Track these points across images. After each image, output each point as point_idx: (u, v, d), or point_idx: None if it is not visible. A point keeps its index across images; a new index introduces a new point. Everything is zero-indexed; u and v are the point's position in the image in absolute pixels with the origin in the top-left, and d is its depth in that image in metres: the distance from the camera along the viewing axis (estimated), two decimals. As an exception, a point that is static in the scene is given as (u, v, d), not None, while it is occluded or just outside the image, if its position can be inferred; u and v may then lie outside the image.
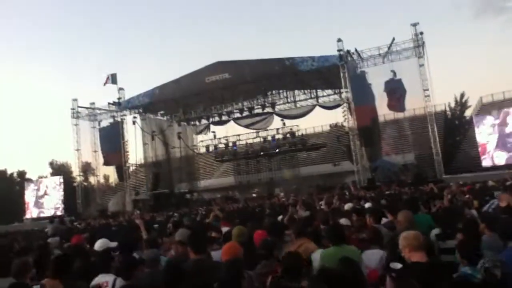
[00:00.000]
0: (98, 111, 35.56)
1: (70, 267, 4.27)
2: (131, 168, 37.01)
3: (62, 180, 41.71)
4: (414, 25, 26.74)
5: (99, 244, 5.57)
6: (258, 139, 34.48)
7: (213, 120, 34.67)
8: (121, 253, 5.13)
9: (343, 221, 5.32)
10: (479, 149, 29.64)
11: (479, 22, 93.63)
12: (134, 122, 33.38)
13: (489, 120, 29.81)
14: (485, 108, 35.08)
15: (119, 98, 33.78)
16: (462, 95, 41.76)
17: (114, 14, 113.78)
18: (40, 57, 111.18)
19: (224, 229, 6.62)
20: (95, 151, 35.33)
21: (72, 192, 38.72)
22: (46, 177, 49.64)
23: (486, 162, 28.79)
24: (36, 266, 4.58)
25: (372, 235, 4.73)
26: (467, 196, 8.25)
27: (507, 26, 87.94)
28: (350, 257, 3.67)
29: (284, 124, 32.98)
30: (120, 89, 33.90)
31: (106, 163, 35.41)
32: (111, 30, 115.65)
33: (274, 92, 32.26)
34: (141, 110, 34.30)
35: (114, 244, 5.75)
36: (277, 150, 33.66)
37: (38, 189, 42.00)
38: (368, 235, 4.81)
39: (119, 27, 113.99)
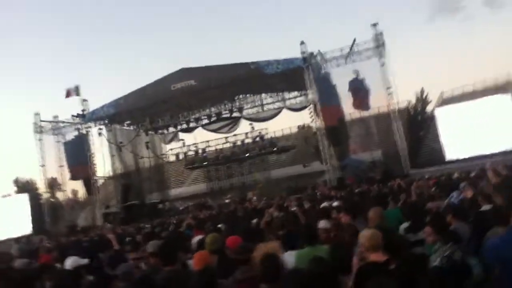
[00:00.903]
0: (61, 125, 34.61)
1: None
2: (100, 181, 36.20)
3: (28, 198, 40.36)
4: (374, 25, 27.35)
5: (69, 262, 5.43)
6: (227, 145, 34.49)
7: (181, 127, 34.44)
8: (94, 270, 5.04)
9: (322, 223, 5.35)
10: (442, 143, 30.47)
11: (436, 20, 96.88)
12: (100, 134, 32.70)
13: (450, 114, 30.67)
14: (446, 103, 36.21)
15: (83, 110, 32.91)
16: (422, 91, 42.91)
17: (74, 23, 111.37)
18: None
19: (197, 237, 6.59)
20: (61, 166, 34.36)
21: (39, 210, 37.50)
22: (10, 195, 47.86)
23: (449, 155, 29.61)
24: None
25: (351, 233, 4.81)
26: (433, 189, 8.51)
27: (464, 23, 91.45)
28: (322, 257, 3.72)
29: (252, 128, 33.14)
30: (84, 100, 33.01)
31: (73, 177, 34.50)
32: (72, 40, 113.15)
33: (241, 96, 32.37)
34: (106, 121, 33.59)
35: (85, 261, 5.62)
36: (247, 155, 33.74)
37: (3, 209, 40.46)
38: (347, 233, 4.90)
39: (79, 36, 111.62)
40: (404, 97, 41.57)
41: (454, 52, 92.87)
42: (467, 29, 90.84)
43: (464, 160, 27.71)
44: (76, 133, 34.01)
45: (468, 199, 5.65)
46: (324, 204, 9.17)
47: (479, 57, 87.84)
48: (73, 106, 33.18)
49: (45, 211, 35.52)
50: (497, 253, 3.09)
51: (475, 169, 14.24)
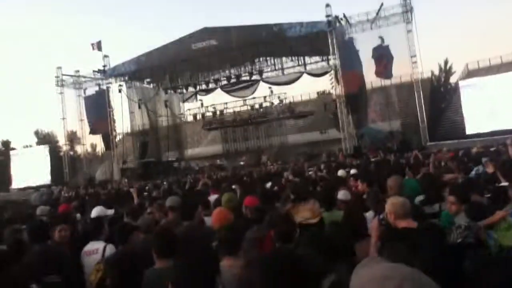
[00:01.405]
0: (83, 79, 34.90)
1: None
2: (118, 137, 36.76)
3: (48, 150, 41.32)
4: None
5: (95, 212, 5.61)
6: (245, 107, 34.41)
7: (200, 88, 34.44)
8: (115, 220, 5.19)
9: (342, 194, 5.37)
10: (464, 116, 29.91)
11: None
12: (120, 90, 32.95)
13: (474, 87, 29.93)
14: (471, 75, 35.26)
15: (104, 66, 33.10)
16: (446, 62, 41.84)
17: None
18: (22, 24, 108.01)
19: (213, 197, 6.72)
20: (81, 120, 34.92)
21: (58, 162, 38.42)
22: (31, 146, 49.05)
23: (470, 130, 29.11)
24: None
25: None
26: (452, 162, 8.44)
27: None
28: (338, 222, 3.78)
29: (271, 91, 32.91)
30: (105, 56, 33.16)
31: (93, 131, 35.12)
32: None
33: (261, 59, 32.00)
34: (127, 78, 33.77)
35: (111, 211, 5.80)
36: (264, 118, 33.69)
37: (24, 159, 41.60)
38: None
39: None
40: (428, 67, 40.61)
41: (482, 22, 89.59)
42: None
43: (485, 134, 27.23)
44: (96, 88, 34.34)
45: (489, 174, 5.60)
46: (341, 171, 9.20)
47: (509, 28, 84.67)
48: (95, 62, 33.32)
49: (64, 163, 36.34)
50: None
51: (495, 144, 14.05)
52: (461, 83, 32.16)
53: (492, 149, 11.18)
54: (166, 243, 3.24)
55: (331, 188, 5.93)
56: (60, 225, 4.54)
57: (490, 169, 5.67)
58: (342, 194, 5.24)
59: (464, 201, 3.87)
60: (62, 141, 38.92)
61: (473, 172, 6.61)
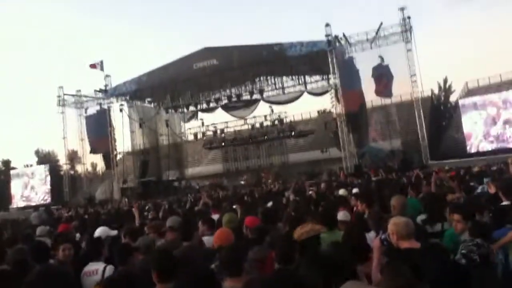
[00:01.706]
0: (84, 99, 35.10)
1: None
2: (119, 156, 36.79)
3: (48, 169, 41.32)
4: (402, 9, 26.62)
5: (99, 232, 5.57)
6: (246, 126, 34.49)
7: (201, 107, 34.57)
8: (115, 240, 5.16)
9: (342, 214, 5.31)
10: (465, 135, 29.95)
11: (464, 6, 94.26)
12: (121, 110, 33.09)
13: (475, 106, 30.04)
14: (471, 93, 35.41)
15: (105, 86, 33.37)
16: (445, 81, 42.11)
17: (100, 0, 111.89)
18: (25, 44, 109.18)
19: (214, 216, 6.67)
20: (82, 139, 34.98)
21: (59, 181, 38.40)
22: (31, 166, 49.02)
23: (471, 148, 29.13)
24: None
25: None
26: (452, 182, 8.41)
27: (493, 8, 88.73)
28: (339, 241, 3.74)
29: (272, 110, 33.02)
30: (107, 76, 33.49)
31: (93, 151, 35.15)
32: (97, 16, 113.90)
33: (262, 78, 32.19)
34: (128, 98, 33.96)
35: (114, 232, 5.76)
36: (265, 137, 33.72)
37: (24, 179, 41.58)
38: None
39: (105, 13, 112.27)
40: (428, 85, 40.67)
41: (481, 40, 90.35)
42: (496, 16, 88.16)
43: (487, 153, 27.25)
44: (98, 107, 34.51)
45: (491, 194, 5.57)
46: (342, 190, 9.15)
47: (508, 46, 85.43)
48: (96, 81, 33.60)
49: (64, 182, 36.28)
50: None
51: (497, 163, 14.03)
52: (461, 101, 32.31)
53: (493, 168, 11.15)
54: (167, 267, 3.20)
55: (332, 208, 5.88)
56: (63, 244, 4.52)
57: (492, 190, 5.64)
58: (341, 215, 5.18)
59: (468, 219, 3.84)
60: (62, 160, 38.98)
61: (478, 190, 6.58)
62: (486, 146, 28.69)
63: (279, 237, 3.70)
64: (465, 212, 4.00)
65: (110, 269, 4.16)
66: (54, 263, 4.34)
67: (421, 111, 27.50)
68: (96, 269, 4.23)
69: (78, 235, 7.14)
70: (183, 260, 3.48)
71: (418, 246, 3.40)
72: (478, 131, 29.19)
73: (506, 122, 28.50)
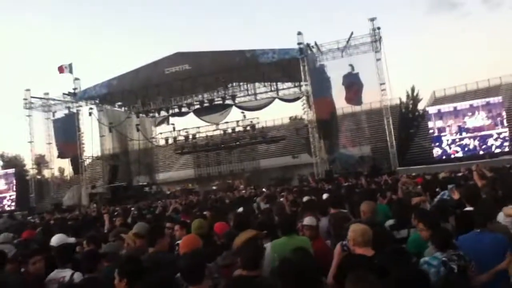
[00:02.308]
0: (52, 102, 34.27)
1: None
2: (87, 161, 36.02)
3: (14, 174, 40.08)
4: (372, 20, 27.31)
5: (56, 240, 5.43)
6: (218, 132, 34.40)
7: (173, 112, 34.23)
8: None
9: (308, 220, 5.31)
10: (432, 142, 30.74)
11: (433, 17, 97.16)
12: (90, 114, 32.43)
13: (443, 114, 30.87)
14: (438, 102, 36.43)
15: (74, 89, 32.64)
16: (413, 89, 43.17)
17: (71, 2, 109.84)
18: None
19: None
20: (49, 143, 34.14)
21: (25, 186, 37.28)
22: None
23: (438, 155, 29.89)
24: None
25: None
26: (418, 187, 8.62)
27: (461, 20, 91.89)
28: (302, 247, 3.77)
29: (244, 116, 33.06)
30: (76, 79, 32.73)
31: (61, 155, 34.32)
32: (67, 18, 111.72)
33: (234, 84, 32.21)
34: (97, 101, 33.38)
35: (72, 239, 5.63)
36: (237, 143, 33.72)
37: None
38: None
39: (75, 15, 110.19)
40: (397, 93, 41.73)
41: (449, 50, 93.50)
42: (463, 27, 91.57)
43: (453, 159, 28.03)
44: (66, 111, 33.75)
45: (455, 200, 5.73)
46: (306, 198, 9.20)
47: (474, 56, 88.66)
48: (65, 85, 32.91)
49: (30, 187, 35.26)
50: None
51: (463, 169, 14.45)
52: (428, 109, 33.15)
53: (459, 174, 11.48)
54: (134, 274, 3.16)
55: (300, 213, 5.93)
56: (33, 256, 4.38)
57: (455, 196, 5.80)
58: (307, 220, 5.21)
59: (432, 227, 3.93)
60: (29, 165, 37.83)
61: (438, 196, 6.75)
62: (452, 153, 29.49)
63: (244, 243, 3.70)
64: (428, 220, 4.10)
65: (78, 276, 4.07)
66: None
67: (390, 118, 28.16)
68: (63, 276, 4.14)
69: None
70: (149, 267, 3.44)
71: (371, 253, 3.46)
72: (444, 139, 29.98)
73: (470, 130, 29.41)
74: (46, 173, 38.10)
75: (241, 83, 32.74)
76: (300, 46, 27.43)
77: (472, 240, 3.86)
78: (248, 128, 32.86)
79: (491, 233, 3.91)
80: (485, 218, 4.07)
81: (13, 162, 52.48)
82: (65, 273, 4.16)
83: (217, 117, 33.49)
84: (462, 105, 30.79)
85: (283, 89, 32.99)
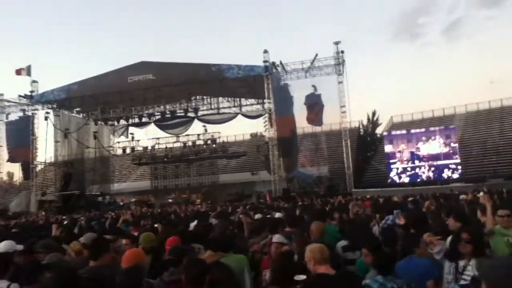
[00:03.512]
0: (6, 103, 32.92)
1: None
2: (39, 167, 34.70)
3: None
4: (336, 43, 28.04)
5: (2, 246, 5.12)
6: (178, 144, 34.02)
7: (133, 121, 33.59)
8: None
9: (278, 237, 5.23)
10: (388, 166, 31.56)
11: (396, 45, 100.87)
12: (46, 118, 31.34)
13: (398, 139, 31.80)
14: (395, 127, 37.63)
15: (31, 91, 31.50)
16: (373, 113, 44.41)
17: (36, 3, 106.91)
18: None
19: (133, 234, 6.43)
20: (0, 146, 32.69)
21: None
22: None
23: (392, 179, 30.70)
24: None
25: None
26: (369, 209, 8.80)
27: (422, 49, 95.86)
28: (225, 264, 3.71)
29: (205, 130, 32.92)
30: (34, 81, 31.61)
31: (12, 159, 32.93)
32: (27, 19, 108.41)
33: (198, 97, 32.10)
34: (55, 106, 32.35)
35: (20, 246, 5.34)
36: (196, 156, 33.45)
37: None
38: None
39: (37, 16, 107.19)
40: (357, 116, 42.89)
41: (408, 77, 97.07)
42: (423, 56, 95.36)
43: (405, 184, 28.85)
44: (21, 114, 32.49)
45: (401, 225, 5.86)
46: (258, 214, 9.17)
47: (431, 85, 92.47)
48: (21, 87, 31.71)
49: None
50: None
51: (413, 195, 14.90)
52: (385, 134, 34.11)
53: (410, 199, 11.79)
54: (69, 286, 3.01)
55: (254, 231, 5.91)
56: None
57: (401, 221, 5.94)
58: (278, 237, 5.13)
59: (375, 251, 4.00)
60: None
61: (383, 221, 6.89)
62: (405, 178, 30.34)
63: (189, 260, 3.62)
64: (371, 245, 4.17)
65: (15, 287, 3.84)
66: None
67: (348, 140, 28.76)
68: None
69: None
70: (88, 280, 3.30)
71: (333, 272, 3.47)
72: (394, 167, 30.76)
73: (424, 157, 30.39)
74: (-6, 176, 36.40)
75: (204, 97, 32.68)
76: (266, 64, 27.73)
77: (409, 264, 4.02)
78: (209, 142, 32.72)
79: (423, 259, 4.08)
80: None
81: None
82: (2, 285, 3.92)
83: (178, 129, 33.18)
84: (418, 131, 31.79)
85: (246, 105, 33.20)
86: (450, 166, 29.64)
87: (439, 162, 29.83)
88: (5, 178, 37.77)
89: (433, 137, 30.68)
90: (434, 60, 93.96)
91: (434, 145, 30.35)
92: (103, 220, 12.92)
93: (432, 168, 29.89)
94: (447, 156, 30.09)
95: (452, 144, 30.15)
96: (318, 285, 3.29)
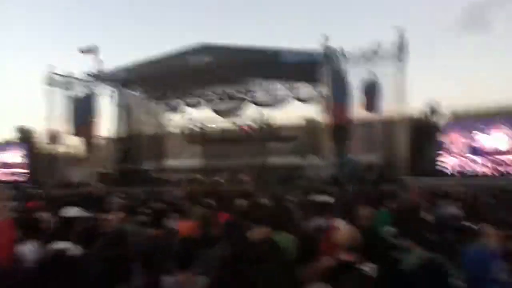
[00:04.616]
0: (73, 81, 34.63)
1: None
2: (100, 142, 36.35)
3: (27, 147, 40.66)
4: (399, 30, 26.99)
5: (73, 212, 5.50)
6: (230, 125, 34.45)
7: (190, 102, 34.40)
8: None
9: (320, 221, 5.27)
10: (444, 157, 30.45)
11: (462, 35, 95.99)
12: (111, 96, 32.78)
13: (458, 131, 30.54)
14: (457, 119, 35.98)
15: (97, 70, 33.00)
16: (435, 103, 42.58)
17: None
18: (20, 21, 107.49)
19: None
20: (65, 121, 34.49)
21: (36, 159, 37.78)
22: (10, 142, 48.14)
23: (448, 170, 29.61)
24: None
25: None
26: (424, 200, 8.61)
27: (491, 42, 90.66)
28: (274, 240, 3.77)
29: (260, 113, 33.08)
30: (100, 61, 33.03)
31: (76, 133, 34.62)
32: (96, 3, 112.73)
33: (254, 80, 32.21)
34: (118, 84, 33.67)
35: (87, 214, 5.72)
36: (248, 138, 33.76)
37: (1, 154, 40.90)
38: None
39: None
40: (416, 106, 41.27)
41: (473, 69, 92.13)
42: (493, 48, 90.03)
43: (464, 174, 27.89)
44: (86, 91, 34.05)
45: (455, 214, 5.74)
46: (316, 197, 9.18)
47: (499, 78, 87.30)
48: (88, 65, 33.05)
49: (41, 161, 35.70)
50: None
51: (470, 186, 14.38)
52: (445, 125, 32.78)
53: (465, 191, 11.43)
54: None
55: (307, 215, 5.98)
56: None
57: (455, 211, 5.82)
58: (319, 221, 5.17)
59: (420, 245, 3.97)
60: (42, 140, 38.23)
61: (436, 211, 6.74)
62: (460, 169, 29.26)
63: (235, 235, 3.73)
64: (416, 238, 4.14)
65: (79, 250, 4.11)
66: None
67: (405, 130, 27.88)
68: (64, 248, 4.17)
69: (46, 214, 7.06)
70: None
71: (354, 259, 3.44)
72: (457, 155, 29.67)
73: (485, 151, 29.06)
74: (59, 149, 38.53)
75: (260, 80, 32.72)
76: (324, 50, 27.26)
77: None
78: (262, 125, 32.87)
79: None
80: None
81: (28, 135, 53.10)
82: (63, 245, 4.20)
83: (232, 111, 33.58)
84: (479, 124, 30.32)
85: (302, 89, 32.89)
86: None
87: (503, 157, 28.36)
88: (69, 150, 39.88)
89: (497, 130, 29.21)
90: (503, 53, 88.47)
91: (498, 139, 28.89)
92: (157, 195, 13.48)
93: (494, 164, 28.52)
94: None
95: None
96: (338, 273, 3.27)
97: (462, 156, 29.46)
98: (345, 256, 3.40)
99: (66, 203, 7.75)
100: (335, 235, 3.60)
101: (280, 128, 36.98)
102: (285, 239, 4.43)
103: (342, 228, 3.72)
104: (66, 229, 4.58)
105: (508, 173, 27.40)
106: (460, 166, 29.56)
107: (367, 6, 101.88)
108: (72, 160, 40.63)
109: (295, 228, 5.17)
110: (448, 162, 29.76)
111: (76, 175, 34.96)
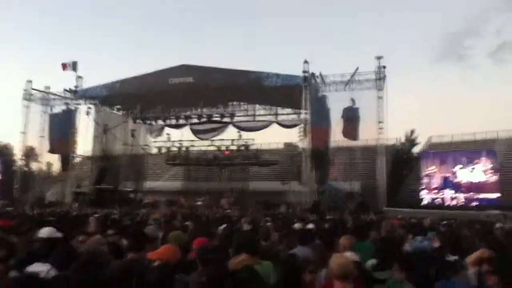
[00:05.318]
0: (52, 96, 34.21)
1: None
2: (77, 159, 35.74)
3: (1, 162, 39.70)
4: (379, 58, 27.69)
5: (45, 232, 5.28)
6: (212, 148, 34.27)
7: (170, 122, 34.18)
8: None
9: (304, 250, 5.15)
10: (422, 187, 30.78)
11: (439, 65, 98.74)
12: (88, 113, 32.35)
13: (435, 160, 31.03)
14: (433, 148, 36.65)
15: (76, 86, 32.69)
16: (412, 132, 43.29)
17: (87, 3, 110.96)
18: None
19: (161, 233, 6.50)
20: (42, 137, 33.91)
21: (10, 176, 36.85)
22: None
23: (426, 201, 29.91)
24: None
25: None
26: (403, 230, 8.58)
27: (466, 72, 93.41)
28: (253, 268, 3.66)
29: (240, 136, 32.99)
30: (79, 77, 32.86)
31: (52, 150, 34.04)
32: (76, 17, 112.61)
33: (235, 103, 32.28)
34: (97, 102, 33.34)
35: (59, 234, 5.49)
36: (229, 161, 33.61)
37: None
38: None
39: (85, 15, 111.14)
40: (394, 134, 41.88)
41: (451, 98, 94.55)
42: (468, 79, 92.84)
43: (440, 207, 28.06)
44: (64, 107, 33.64)
45: (436, 248, 5.70)
46: (298, 224, 9.09)
47: (474, 107, 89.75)
48: (67, 81, 32.89)
49: (16, 178, 34.85)
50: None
51: (449, 218, 14.48)
52: (423, 154, 33.31)
53: (443, 222, 11.47)
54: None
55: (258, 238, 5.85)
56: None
57: (436, 243, 5.78)
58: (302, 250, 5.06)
59: (407, 270, 3.89)
60: (18, 155, 37.46)
61: (417, 243, 6.69)
62: (439, 201, 29.55)
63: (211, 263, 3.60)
64: (404, 262, 4.07)
65: (53, 271, 3.93)
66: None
67: (384, 157, 28.21)
68: (42, 270, 3.99)
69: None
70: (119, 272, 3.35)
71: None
72: (434, 186, 30.03)
73: (461, 184, 29.53)
74: (34, 166, 37.73)
75: (241, 103, 32.81)
76: (305, 74, 27.67)
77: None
78: (242, 148, 32.80)
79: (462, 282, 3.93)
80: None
81: (3, 151, 51.88)
82: (43, 268, 4.00)
83: (211, 133, 33.46)
84: (457, 154, 30.90)
85: (282, 114, 33.07)
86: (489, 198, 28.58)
87: (478, 196, 28.82)
88: (44, 168, 39.07)
89: (472, 161, 29.76)
90: (478, 83, 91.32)
91: (474, 171, 29.40)
92: (133, 216, 13.18)
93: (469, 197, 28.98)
94: (485, 186, 28.97)
95: (492, 173, 29.06)
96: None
97: (439, 189, 29.84)
98: (340, 286, 3.34)
99: (40, 223, 7.49)
100: (330, 264, 3.53)
101: (261, 151, 37.02)
102: (265, 267, 4.30)
103: (336, 257, 3.63)
104: (40, 250, 4.37)
105: (482, 205, 27.81)
106: (437, 198, 29.90)
107: (348, 35, 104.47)
108: (48, 177, 39.79)
109: (276, 256, 5.05)
110: (425, 193, 30.09)
111: (52, 193, 34.18)
